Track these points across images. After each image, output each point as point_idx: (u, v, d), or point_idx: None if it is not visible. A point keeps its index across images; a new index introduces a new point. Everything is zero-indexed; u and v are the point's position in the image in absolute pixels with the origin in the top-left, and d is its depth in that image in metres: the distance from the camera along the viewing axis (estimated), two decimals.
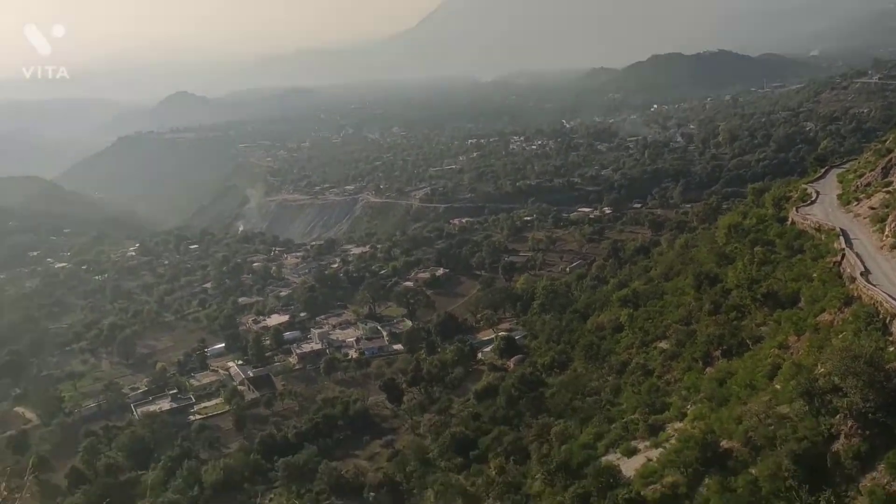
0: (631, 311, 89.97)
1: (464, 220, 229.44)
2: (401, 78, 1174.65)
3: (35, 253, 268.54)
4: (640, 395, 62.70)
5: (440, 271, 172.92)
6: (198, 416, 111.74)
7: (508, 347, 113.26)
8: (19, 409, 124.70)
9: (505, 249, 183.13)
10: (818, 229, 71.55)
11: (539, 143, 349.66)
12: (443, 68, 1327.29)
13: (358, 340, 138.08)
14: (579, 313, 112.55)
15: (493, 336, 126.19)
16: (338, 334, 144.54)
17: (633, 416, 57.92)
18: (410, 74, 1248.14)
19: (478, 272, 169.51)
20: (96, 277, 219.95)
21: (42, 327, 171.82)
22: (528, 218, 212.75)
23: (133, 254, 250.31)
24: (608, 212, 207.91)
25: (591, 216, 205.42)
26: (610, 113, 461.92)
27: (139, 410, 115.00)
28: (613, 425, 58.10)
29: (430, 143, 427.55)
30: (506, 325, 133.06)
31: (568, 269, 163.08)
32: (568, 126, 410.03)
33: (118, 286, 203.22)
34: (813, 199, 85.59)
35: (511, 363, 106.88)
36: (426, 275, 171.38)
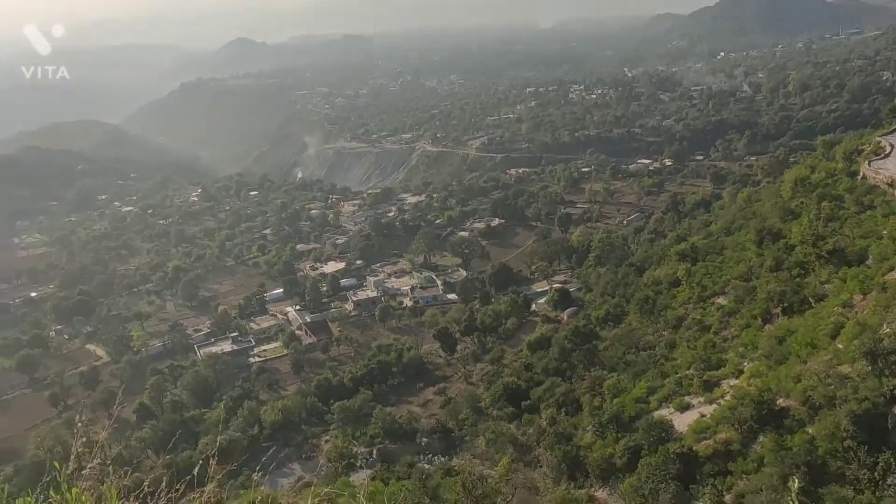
0: (689, 265, 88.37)
1: (520, 171, 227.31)
2: (459, 25, 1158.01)
3: (103, 196, 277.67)
4: (696, 351, 61.97)
5: (495, 222, 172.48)
6: (257, 359, 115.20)
7: (563, 299, 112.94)
8: (90, 347, 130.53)
9: (561, 201, 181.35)
10: (891, 184, 68.65)
11: (599, 92, 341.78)
12: (501, 14, 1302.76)
13: (413, 289, 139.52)
14: (635, 267, 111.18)
15: (547, 288, 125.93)
16: (393, 282, 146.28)
17: (687, 372, 57.36)
18: (467, 21, 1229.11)
19: (533, 223, 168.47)
20: (161, 222, 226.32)
21: (111, 269, 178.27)
22: (586, 169, 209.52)
23: (195, 199, 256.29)
24: (669, 164, 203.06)
25: (651, 168, 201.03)
26: (674, 61, 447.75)
27: (202, 351, 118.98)
28: (667, 380, 57.65)
29: (488, 92, 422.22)
30: (560, 278, 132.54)
31: (625, 222, 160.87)
32: (629, 75, 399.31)
33: (182, 230, 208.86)
34: (887, 152, 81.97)
35: (565, 315, 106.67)
36: (481, 225, 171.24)
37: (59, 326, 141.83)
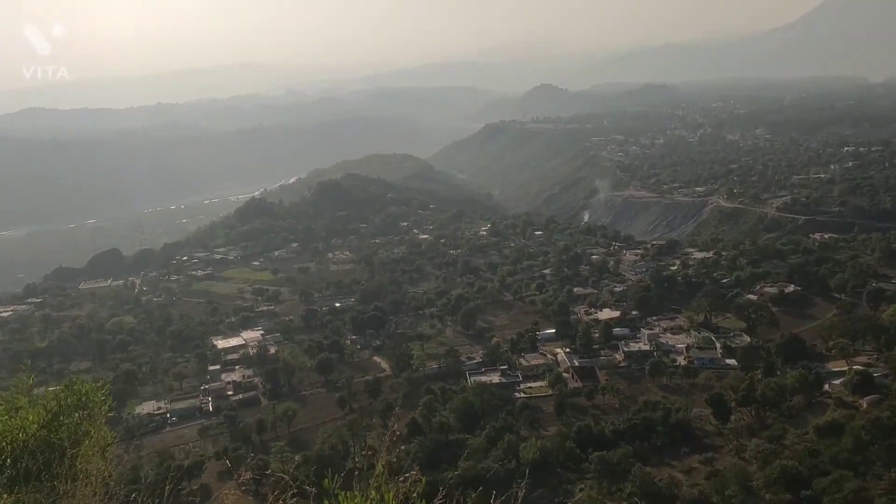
0: None
1: (826, 236, 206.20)
2: (774, 76, 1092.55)
3: (405, 223, 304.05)
4: None
5: (790, 288, 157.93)
6: (522, 395, 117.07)
7: (863, 384, 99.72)
8: (377, 359, 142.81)
9: (874, 274, 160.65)
10: None
11: None
12: (825, 68, 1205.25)
13: (688, 348, 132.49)
14: None
15: (845, 368, 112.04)
16: (668, 338, 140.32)
17: None
18: (786, 73, 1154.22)
19: (836, 295, 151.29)
20: (451, 251, 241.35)
21: (403, 290, 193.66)
22: None
23: (484, 233, 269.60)
24: None
25: None
26: None
27: (472, 379, 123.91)
28: None
29: (798, 149, 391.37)
30: (863, 359, 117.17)
31: None
32: None
33: (468, 262, 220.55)
34: None
35: (865, 402, 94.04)
36: (773, 290, 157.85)
37: (353, 336, 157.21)
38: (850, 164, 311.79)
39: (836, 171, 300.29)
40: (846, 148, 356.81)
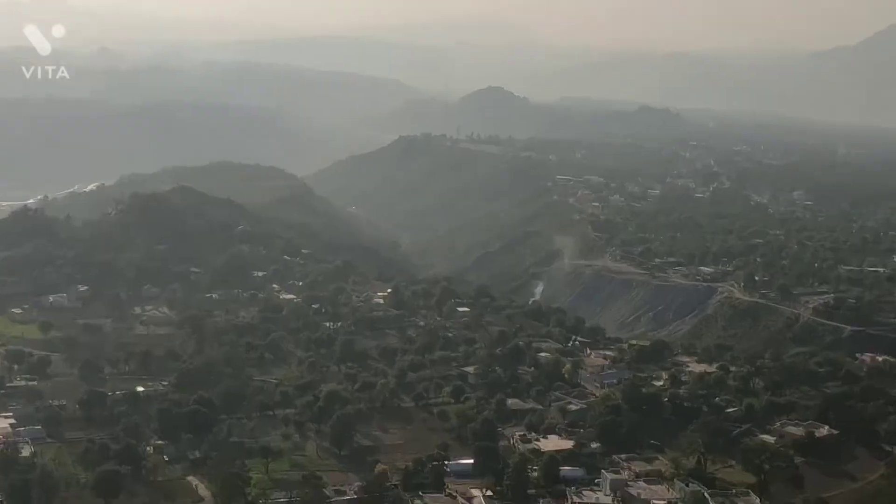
0: None
1: (880, 358, 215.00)
2: (824, 119, 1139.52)
3: (261, 273, 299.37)
4: None
5: (823, 430, 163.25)
6: None
7: None
8: (192, 479, 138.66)
9: None
10: None
11: None
12: (892, 112, 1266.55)
13: None
14: None
15: None
16: (640, 489, 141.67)
17: None
18: (842, 114, 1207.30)
19: (887, 447, 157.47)
20: (327, 324, 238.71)
21: (245, 376, 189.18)
22: None
23: (380, 302, 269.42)
24: None
25: None
26: None
27: None
28: None
29: (850, 226, 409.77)
30: None
31: None
32: None
33: (351, 342, 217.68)
34: None
35: None
36: (799, 430, 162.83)
37: (160, 441, 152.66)
38: None
39: None
40: None
